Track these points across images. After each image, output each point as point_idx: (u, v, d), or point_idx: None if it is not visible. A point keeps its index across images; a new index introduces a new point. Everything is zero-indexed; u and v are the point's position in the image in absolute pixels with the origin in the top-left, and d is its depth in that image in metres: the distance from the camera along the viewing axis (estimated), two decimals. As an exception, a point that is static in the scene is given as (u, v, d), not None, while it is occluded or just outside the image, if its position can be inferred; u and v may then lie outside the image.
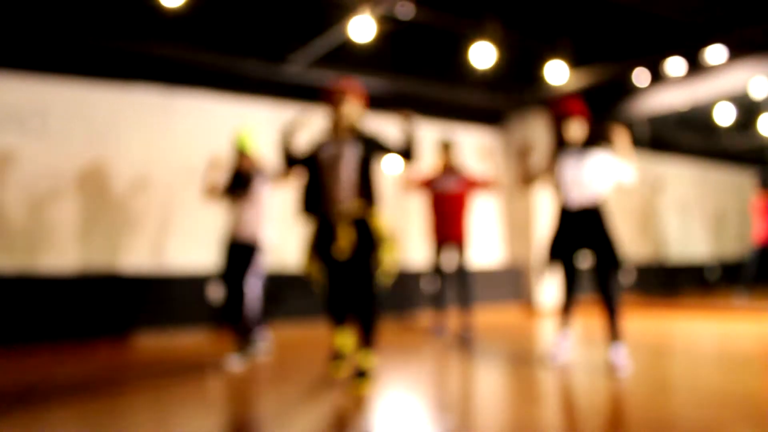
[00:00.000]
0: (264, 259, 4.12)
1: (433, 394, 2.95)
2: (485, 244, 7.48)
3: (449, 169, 5.08)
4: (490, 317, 6.89)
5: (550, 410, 2.63)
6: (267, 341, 4.25)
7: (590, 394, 2.94)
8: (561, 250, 3.60)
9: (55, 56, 5.11)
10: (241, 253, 4.02)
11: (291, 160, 3.31)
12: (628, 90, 6.93)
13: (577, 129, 3.60)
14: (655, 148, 8.77)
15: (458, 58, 6.99)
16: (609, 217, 3.58)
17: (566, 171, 3.58)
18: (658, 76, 6.53)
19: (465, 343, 4.68)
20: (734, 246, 10.35)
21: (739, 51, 5.84)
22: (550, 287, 7.00)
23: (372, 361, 3.12)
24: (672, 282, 8.89)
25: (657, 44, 5.94)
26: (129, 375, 3.57)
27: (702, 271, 9.59)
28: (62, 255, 4.99)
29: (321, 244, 3.20)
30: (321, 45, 5.40)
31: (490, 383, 3.29)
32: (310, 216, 3.25)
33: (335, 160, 3.17)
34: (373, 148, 3.20)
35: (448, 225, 5.00)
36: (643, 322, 5.88)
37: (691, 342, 4.71)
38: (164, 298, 5.19)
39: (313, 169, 3.25)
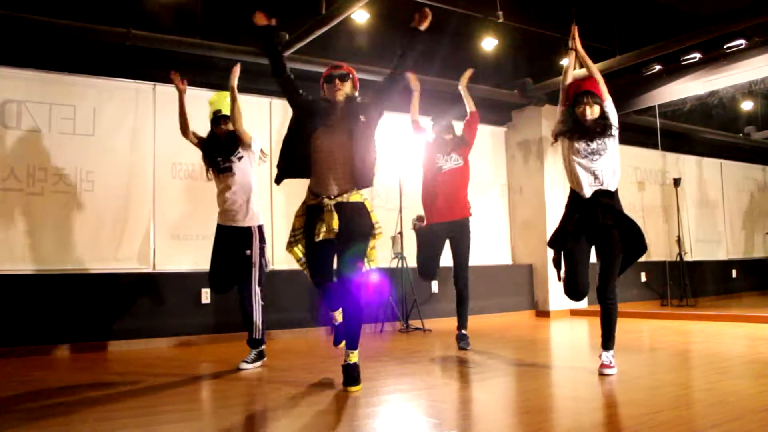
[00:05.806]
0: (265, 250, 3.66)
1: (431, 403, 2.72)
2: (493, 243, 7.20)
3: (446, 146, 4.41)
4: (497, 318, 6.62)
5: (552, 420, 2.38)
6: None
7: (595, 401, 2.70)
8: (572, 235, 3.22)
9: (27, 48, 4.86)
10: (235, 246, 3.56)
11: (281, 69, 3.06)
12: (645, 80, 6.56)
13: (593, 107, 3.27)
14: (674, 140, 8.40)
15: (464, 50, 6.73)
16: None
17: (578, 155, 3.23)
18: (675, 65, 6.19)
19: (461, 342, 4.36)
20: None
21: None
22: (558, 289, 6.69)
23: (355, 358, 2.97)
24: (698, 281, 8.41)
25: (674, 32, 5.60)
26: (115, 380, 3.40)
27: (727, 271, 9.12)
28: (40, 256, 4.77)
29: (308, 227, 2.98)
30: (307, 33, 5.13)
31: (490, 390, 3.07)
32: (289, 176, 3.02)
33: (330, 132, 2.94)
34: (369, 108, 2.99)
35: (444, 203, 4.33)
36: (662, 324, 5.57)
37: (712, 346, 4.38)
38: (153, 301, 4.95)
39: (301, 130, 3.01)
